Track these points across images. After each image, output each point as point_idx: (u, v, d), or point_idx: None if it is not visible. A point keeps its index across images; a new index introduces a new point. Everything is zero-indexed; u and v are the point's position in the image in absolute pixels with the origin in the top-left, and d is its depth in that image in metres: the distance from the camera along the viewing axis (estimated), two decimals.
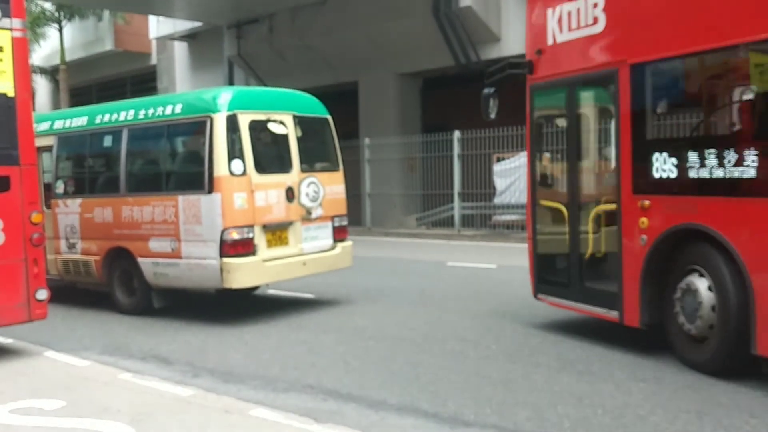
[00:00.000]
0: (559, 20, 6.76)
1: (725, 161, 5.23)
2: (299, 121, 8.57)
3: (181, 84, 26.12)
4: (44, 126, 9.58)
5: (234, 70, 24.00)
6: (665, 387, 5.29)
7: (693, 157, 5.48)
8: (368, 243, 16.00)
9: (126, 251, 8.54)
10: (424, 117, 21.29)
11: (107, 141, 9.04)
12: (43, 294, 6.60)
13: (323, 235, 8.69)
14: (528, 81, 7.27)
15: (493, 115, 7.46)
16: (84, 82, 29.88)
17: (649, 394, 5.16)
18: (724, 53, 5.43)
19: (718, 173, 5.28)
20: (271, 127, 8.27)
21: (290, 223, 8.30)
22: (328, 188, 8.68)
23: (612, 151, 6.41)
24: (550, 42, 6.92)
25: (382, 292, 9.80)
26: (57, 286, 8.55)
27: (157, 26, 25.52)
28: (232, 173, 7.72)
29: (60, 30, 26.92)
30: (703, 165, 5.40)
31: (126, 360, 6.61)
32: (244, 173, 7.80)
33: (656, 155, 5.77)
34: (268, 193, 8.04)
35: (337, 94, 18.90)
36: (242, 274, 7.78)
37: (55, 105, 29.74)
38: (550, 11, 6.89)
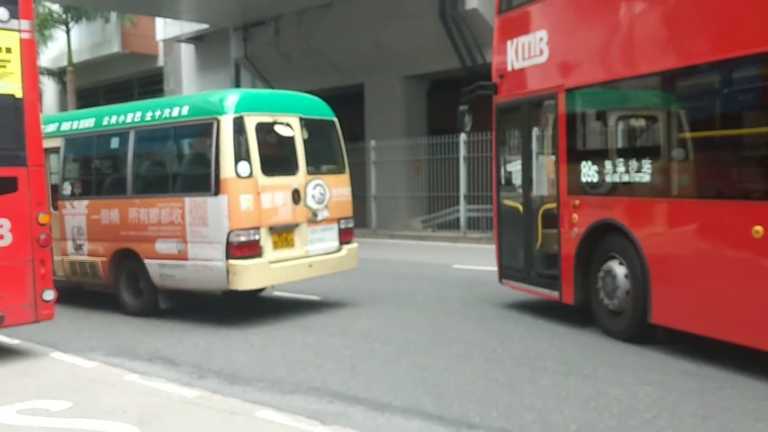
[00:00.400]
0: (516, 51, 7.97)
1: (630, 168, 6.50)
2: (305, 123, 8.59)
3: (188, 86, 26.17)
4: (51, 128, 9.62)
5: (240, 72, 24.04)
6: (671, 391, 5.29)
7: (608, 165, 6.78)
8: (374, 245, 16.00)
9: (133, 253, 8.56)
10: (430, 119, 21.26)
11: (114, 143, 9.06)
12: (50, 295, 6.61)
13: (329, 237, 8.70)
14: (494, 100, 8.45)
15: (468, 128, 8.84)
16: (91, 84, 29.95)
17: (656, 398, 5.15)
18: (631, 82, 6.65)
19: (625, 178, 6.56)
20: (278, 129, 8.29)
21: (296, 225, 8.32)
22: (334, 190, 8.70)
23: (554, 159, 7.52)
24: (509, 68, 8.12)
25: (388, 294, 9.80)
26: (64, 288, 8.61)
27: (164, 28, 25.59)
28: (238, 175, 7.73)
29: (67, 32, 26.99)
30: (615, 171, 6.69)
31: (132, 361, 6.63)
32: (250, 175, 7.82)
33: (583, 163, 7.05)
34: (274, 195, 8.05)
35: (343, 96, 18.91)
36: (248, 275, 7.79)
37: (62, 107, 29.83)
38: (509, 43, 8.08)
